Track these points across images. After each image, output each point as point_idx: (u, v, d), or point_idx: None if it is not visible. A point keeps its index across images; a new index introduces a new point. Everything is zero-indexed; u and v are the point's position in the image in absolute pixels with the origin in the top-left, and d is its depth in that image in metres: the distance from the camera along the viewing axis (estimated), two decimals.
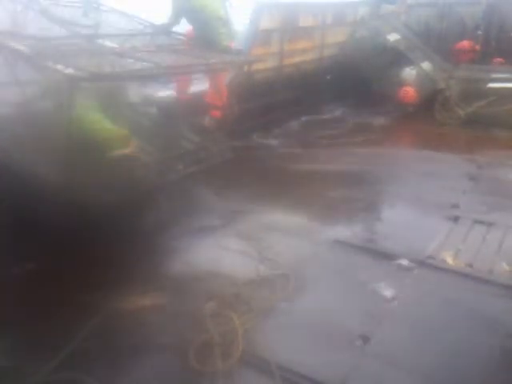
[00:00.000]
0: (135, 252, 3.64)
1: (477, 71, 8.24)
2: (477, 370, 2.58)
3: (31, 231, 3.40)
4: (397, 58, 8.03)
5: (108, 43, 4.45)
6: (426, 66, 8.24)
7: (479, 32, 9.52)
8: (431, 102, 7.76)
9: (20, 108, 3.69)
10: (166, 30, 5.33)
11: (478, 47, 9.40)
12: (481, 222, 4.21)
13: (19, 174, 3.41)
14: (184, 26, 5.68)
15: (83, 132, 3.47)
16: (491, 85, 7.69)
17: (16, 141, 3.54)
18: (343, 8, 8.16)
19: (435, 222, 4.30)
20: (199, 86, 5.75)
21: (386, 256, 3.69)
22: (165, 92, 5.53)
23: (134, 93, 4.46)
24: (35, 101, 3.67)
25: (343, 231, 4.14)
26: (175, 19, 5.43)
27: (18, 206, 3.42)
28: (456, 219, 4.32)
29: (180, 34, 5.41)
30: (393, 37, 8.27)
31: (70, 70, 3.18)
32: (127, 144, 3.72)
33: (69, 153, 3.33)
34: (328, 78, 8.53)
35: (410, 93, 7.77)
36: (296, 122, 7.37)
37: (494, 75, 7.94)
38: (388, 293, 3.22)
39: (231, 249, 3.83)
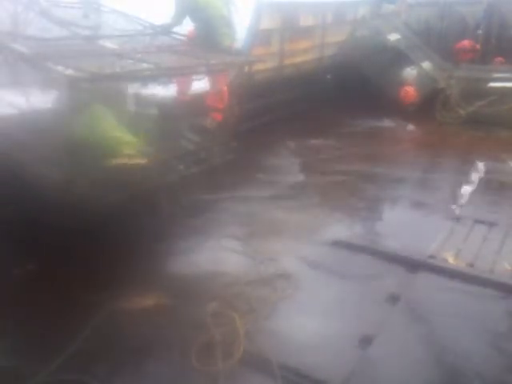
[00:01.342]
0: (137, 253, 3.65)
1: (477, 71, 8.23)
2: (478, 371, 2.58)
3: (34, 232, 3.40)
4: (397, 57, 8.03)
5: (108, 44, 4.45)
6: (426, 65, 8.24)
7: (480, 31, 9.51)
8: (432, 102, 7.76)
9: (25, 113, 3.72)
10: (166, 31, 5.34)
11: (478, 46, 9.39)
12: (482, 222, 4.20)
13: (23, 174, 3.43)
14: (186, 27, 5.68)
15: (95, 137, 3.56)
16: (492, 84, 7.69)
17: (20, 143, 3.56)
18: (343, 7, 8.15)
19: (436, 222, 4.30)
20: (200, 86, 5.75)
21: (387, 256, 3.69)
22: (165, 93, 5.53)
23: (135, 94, 4.46)
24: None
25: (344, 231, 4.14)
26: (178, 19, 5.43)
27: (23, 208, 3.42)
28: (457, 219, 4.31)
29: (180, 35, 5.41)
30: (393, 36, 8.27)
31: (70, 71, 3.19)
32: (133, 151, 3.80)
33: (72, 154, 3.36)
34: (328, 77, 8.53)
35: (410, 92, 7.77)
36: (295, 123, 7.35)
37: (495, 74, 7.94)
38: (389, 293, 3.22)
39: (232, 249, 3.82)
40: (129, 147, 3.78)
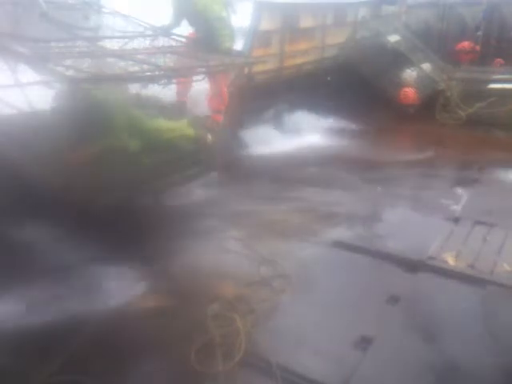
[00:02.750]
0: (137, 254, 3.64)
1: (477, 72, 8.25)
2: (477, 372, 2.58)
3: (34, 231, 3.41)
4: (397, 58, 8.03)
5: (109, 45, 4.45)
6: (426, 66, 8.24)
7: (479, 33, 9.53)
8: (432, 103, 7.77)
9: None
10: (166, 32, 5.34)
11: (478, 48, 9.41)
12: (482, 223, 4.20)
13: (24, 171, 3.44)
14: (187, 28, 5.68)
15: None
16: (492, 85, 7.70)
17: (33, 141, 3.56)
18: (344, 9, 8.16)
19: (436, 223, 4.30)
20: (200, 87, 5.75)
21: (387, 257, 3.69)
22: (165, 94, 5.53)
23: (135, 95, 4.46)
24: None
25: (344, 232, 4.14)
26: (176, 21, 5.44)
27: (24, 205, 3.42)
28: (457, 220, 4.31)
29: (181, 36, 5.42)
30: (393, 38, 8.28)
31: (70, 72, 3.20)
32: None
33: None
34: (328, 78, 8.53)
35: (410, 94, 7.76)
36: (294, 124, 7.35)
37: (495, 76, 7.96)
38: (389, 294, 3.22)
39: (232, 250, 3.83)
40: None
